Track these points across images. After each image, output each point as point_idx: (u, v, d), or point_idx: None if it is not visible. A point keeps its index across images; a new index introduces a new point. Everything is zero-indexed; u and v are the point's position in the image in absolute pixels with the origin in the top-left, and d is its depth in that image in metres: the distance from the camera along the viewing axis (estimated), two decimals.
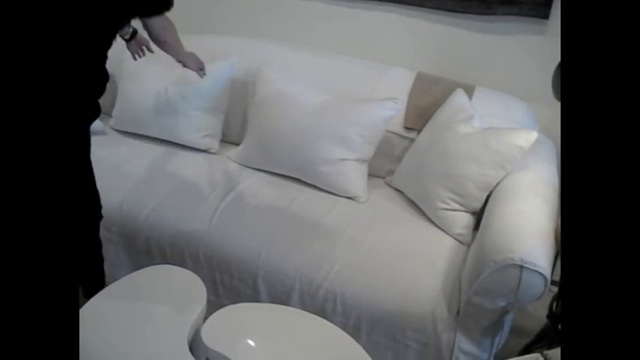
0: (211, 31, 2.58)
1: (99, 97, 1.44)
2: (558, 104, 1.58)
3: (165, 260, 1.81)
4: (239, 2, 2.50)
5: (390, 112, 1.95)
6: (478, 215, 1.79)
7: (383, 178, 2.15)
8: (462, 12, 2.09)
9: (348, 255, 1.67)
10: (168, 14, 1.53)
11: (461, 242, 1.78)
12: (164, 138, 2.25)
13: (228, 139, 2.33)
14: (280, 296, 1.68)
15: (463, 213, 1.79)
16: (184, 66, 1.87)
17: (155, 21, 1.53)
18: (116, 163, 2.04)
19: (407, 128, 2.06)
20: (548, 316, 1.64)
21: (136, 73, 2.26)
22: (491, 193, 1.75)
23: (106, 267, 1.96)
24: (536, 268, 1.34)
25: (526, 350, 1.72)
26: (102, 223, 1.87)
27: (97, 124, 2.27)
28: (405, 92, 2.07)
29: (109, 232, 1.88)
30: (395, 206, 1.95)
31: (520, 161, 1.71)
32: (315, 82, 2.13)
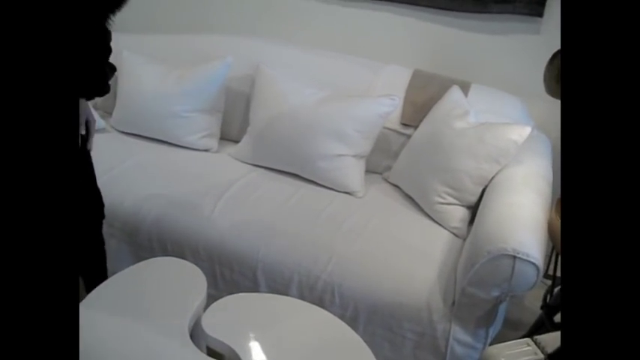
0: (207, 30, 2.61)
1: (102, 67, 1.39)
2: (552, 100, 1.62)
3: (167, 254, 1.84)
4: (235, 1, 2.53)
5: (387, 108, 1.98)
6: (473, 209, 1.82)
7: (380, 174, 2.18)
8: (458, 10, 2.13)
9: (345, 247, 1.70)
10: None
11: (456, 235, 1.81)
12: (163, 139, 2.28)
13: (227, 137, 2.36)
14: (279, 288, 1.71)
15: (459, 207, 1.82)
16: None
17: None
18: (117, 160, 2.08)
19: (404, 125, 2.10)
20: (541, 307, 1.67)
21: (133, 74, 2.30)
22: (486, 187, 1.78)
23: (108, 262, 1.99)
24: (529, 259, 1.37)
25: None
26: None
27: (98, 122, 2.30)
28: (402, 89, 2.10)
29: (111, 227, 1.91)
30: (392, 201, 1.98)
31: (514, 156, 1.74)
32: (312, 79, 2.16)
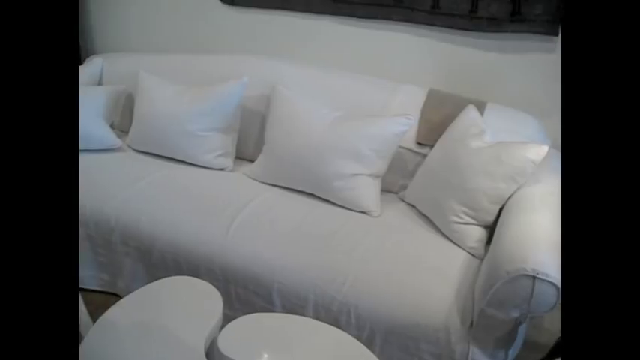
0: (223, 50, 2.65)
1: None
2: None
3: (181, 273, 1.84)
4: (251, 22, 2.56)
5: (403, 127, 1.98)
6: (490, 229, 1.80)
7: (396, 193, 2.17)
8: (473, 30, 2.13)
9: (361, 268, 1.68)
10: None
11: (474, 255, 1.79)
12: (179, 158, 2.29)
13: (242, 156, 2.37)
14: (295, 308, 1.69)
15: (476, 227, 1.80)
16: None
17: None
18: (133, 179, 2.09)
19: (419, 144, 2.09)
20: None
21: (150, 94, 2.31)
22: (503, 206, 1.77)
23: (123, 280, 1.99)
24: (548, 279, 1.35)
25: None
26: (120, 237, 1.91)
27: (114, 141, 2.33)
28: (417, 108, 2.10)
29: (127, 246, 1.92)
30: (408, 220, 1.97)
31: (531, 175, 1.73)
32: (327, 99, 2.17)
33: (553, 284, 1.35)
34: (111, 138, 2.33)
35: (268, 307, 1.74)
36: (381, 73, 2.32)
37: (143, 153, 2.36)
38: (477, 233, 1.80)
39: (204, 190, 2.07)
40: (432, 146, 2.05)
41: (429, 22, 2.19)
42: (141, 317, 1.36)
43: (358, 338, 1.58)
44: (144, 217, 1.91)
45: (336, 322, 1.63)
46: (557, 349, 1.70)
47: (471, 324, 1.53)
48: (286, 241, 1.79)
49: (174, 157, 2.29)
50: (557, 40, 2.03)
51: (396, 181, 2.15)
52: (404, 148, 2.09)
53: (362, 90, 2.22)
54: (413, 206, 2.06)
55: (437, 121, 2.06)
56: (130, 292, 1.49)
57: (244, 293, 1.77)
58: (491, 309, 1.45)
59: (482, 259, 1.77)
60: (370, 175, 2.00)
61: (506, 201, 1.75)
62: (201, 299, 1.43)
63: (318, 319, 1.64)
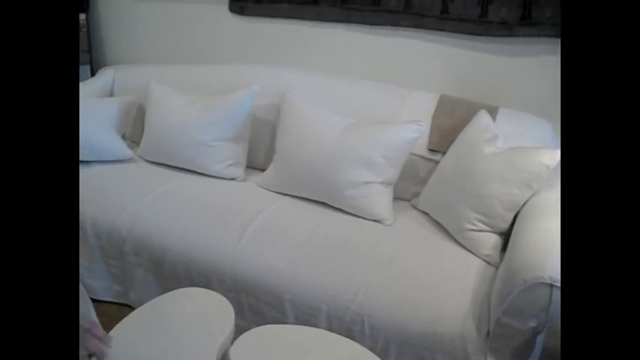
0: (233, 60, 2.65)
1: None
2: None
3: (193, 284, 1.83)
4: (260, 31, 2.56)
5: (414, 134, 1.96)
6: (506, 236, 1.77)
7: (409, 200, 2.15)
8: (483, 34, 2.11)
9: (375, 277, 1.66)
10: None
11: (489, 263, 1.76)
12: (190, 168, 2.29)
13: (253, 165, 2.37)
14: (307, 319, 1.67)
15: (490, 234, 1.78)
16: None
17: None
18: (145, 190, 2.09)
19: (431, 150, 2.07)
20: None
21: (160, 104, 2.32)
22: (518, 213, 1.74)
23: (135, 292, 1.99)
24: None
25: None
26: (132, 248, 1.90)
27: (126, 152, 2.34)
28: (429, 115, 2.08)
29: (138, 257, 1.92)
30: (421, 228, 1.94)
31: (546, 180, 1.70)
32: (338, 107, 2.16)
33: None
34: (122, 149, 2.34)
35: (280, 317, 1.72)
36: (391, 80, 2.30)
37: (154, 163, 2.36)
38: (492, 240, 1.77)
39: (216, 200, 2.06)
40: (444, 153, 2.02)
41: (439, 28, 2.18)
42: (152, 330, 1.35)
43: (372, 349, 1.55)
44: (155, 227, 1.90)
45: (349, 333, 1.61)
46: None
47: (488, 334, 1.50)
48: (298, 250, 1.78)
49: (186, 167, 2.29)
50: None
51: (408, 189, 2.13)
52: (416, 155, 2.07)
53: (372, 97, 2.21)
54: (426, 213, 2.03)
55: (449, 127, 2.04)
56: (142, 303, 1.48)
57: (256, 304, 1.75)
58: (507, 318, 1.42)
59: (497, 267, 1.74)
60: (382, 183, 1.98)
61: (521, 207, 1.73)
62: (213, 311, 1.42)
63: (331, 329, 1.62)
